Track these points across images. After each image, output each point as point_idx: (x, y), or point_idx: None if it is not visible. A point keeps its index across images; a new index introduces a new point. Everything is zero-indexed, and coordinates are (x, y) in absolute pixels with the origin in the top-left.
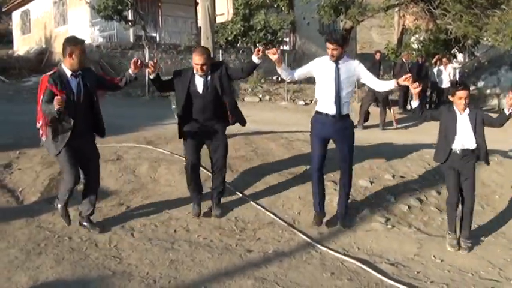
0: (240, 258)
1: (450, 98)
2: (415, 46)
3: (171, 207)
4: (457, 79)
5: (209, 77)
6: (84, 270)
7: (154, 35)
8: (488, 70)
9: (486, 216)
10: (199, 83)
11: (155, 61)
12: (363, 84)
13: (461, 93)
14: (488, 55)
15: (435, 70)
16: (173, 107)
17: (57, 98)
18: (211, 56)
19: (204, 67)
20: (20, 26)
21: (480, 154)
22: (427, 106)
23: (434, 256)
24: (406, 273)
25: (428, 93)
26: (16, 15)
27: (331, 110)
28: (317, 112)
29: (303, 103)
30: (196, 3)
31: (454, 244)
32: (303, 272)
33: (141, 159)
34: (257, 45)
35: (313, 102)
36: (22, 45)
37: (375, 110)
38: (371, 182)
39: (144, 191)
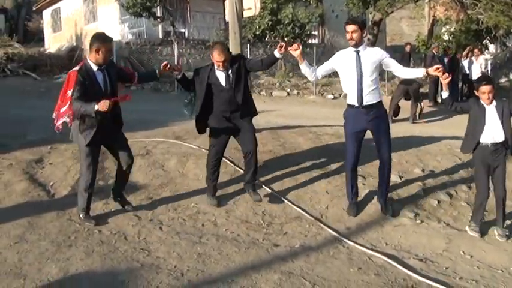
0: (267, 253)
1: (476, 92)
2: (446, 37)
3: (199, 202)
4: (489, 70)
5: (230, 71)
6: (113, 262)
7: (182, 30)
8: None
9: None
10: (221, 77)
11: (180, 64)
12: (393, 77)
13: (485, 88)
14: None
15: (466, 62)
16: (185, 101)
17: (104, 102)
18: (240, 50)
19: (225, 63)
20: (51, 24)
21: (509, 146)
22: (459, 98)
23: (463, 252)
24: (434, 268)
25: (460, 85)
26: (47, 13)
27: (358, 100)
28: (348, 105)
29: (332, 97)
30: None
31: (477, 230)
32: (329, 266)
33: (170, 153)
34: (285, 39)
35: (342, 96)
36: (53, 43)
37: (405, 104)
38: (400, 177)
39: (172, 185)
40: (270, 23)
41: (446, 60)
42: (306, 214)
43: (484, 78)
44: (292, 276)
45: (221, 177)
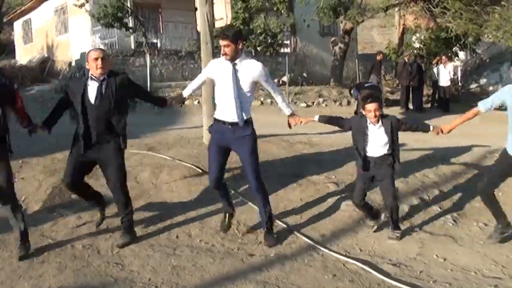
0: (242, 262)
1: (362, 110)
2: (416, 45)
3: (173, 213)
4: (459, 77)
5: (104, 85)
6: (87, 277)
7: (155, 41)
8: (490, 67)
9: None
10: (92, 90)
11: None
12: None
13: (371, 106)
14: (489, 52)
15: (435, 69)
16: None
17: None
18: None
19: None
20: (22, 35)
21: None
22: (430, 105)
23: (436, 255)
24: (408, 273)
25: (431, 92)
26: (18, 25)
27: (230, 116)
28: (216, 119)
29: (305, 105)
30: (196, 9)
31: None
32: (304, 274)
33: (143, 165)
34: (257, 48)
35: (315, 104)
36: (24, 54)
37: None
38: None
39: (145, 197)
40: (242, 32)
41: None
42: (280, 223)
43: (371, 96)
44: (267, 285)
45: (195, 187)
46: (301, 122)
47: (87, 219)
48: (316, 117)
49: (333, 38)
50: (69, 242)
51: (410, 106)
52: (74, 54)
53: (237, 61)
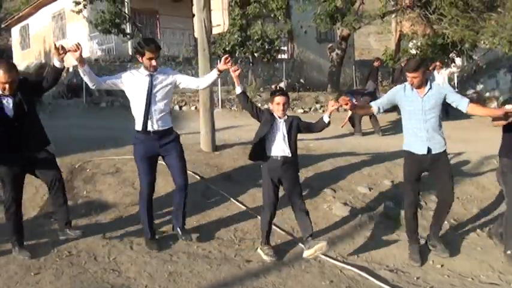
0: (239, 269)
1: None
2: (413, 51)
3: (170, 219)
4: (456, 83)
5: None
6: (83, 284)
7: None
8: (487, 73)
9: (486, 220)
10: (7, 104)
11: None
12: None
13: (279, 99)
14: (486, 58)
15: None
16: None
17: None
18: (209, 66)
19: (13, 85)
20: (20, 41)
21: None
22: None
23: (433, 261)
24: (405, 279)
25: None
26: (15, 30)
27: (150, 125)
28: (137, 131)
29: (302, 111)
30: (194, 15)
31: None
32: (301, 280)
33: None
34: (255, 54)
35: (311, 110)
36: (22, 60)
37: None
38: (370, 189)
39: None
40: (240, 39)
41: None
42: (277, 229)
43: (279, 89)
44: None
45: (191, 193)
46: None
47: (83, 225)
48: (238, 89)
49: (330, 44)
50: (66, 248)
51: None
52: (72, 60)
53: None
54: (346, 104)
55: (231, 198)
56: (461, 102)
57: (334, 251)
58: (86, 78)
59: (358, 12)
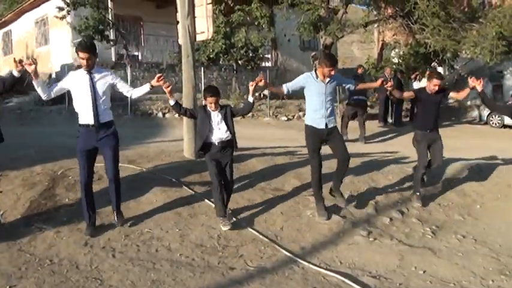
0: (222, 276)
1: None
2: (395, 60)
3: (153, 227)
4: None
5: None
6: None
7: (136, 53)
8: (468, 83)
9: (467, 226)
10: None
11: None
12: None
13: (210, 100)
14: (467, 68)
15: (415, 84)
16: None
17: None
18: (193, 73)
19: None
20: (2, 46)
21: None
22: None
23: (415, 267)
24: (388, 285)
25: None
26: None
27: (93, 119)
28: (80, 125)
29: (286, 118)
30: (178, 22)
31: None
32: (285, 287)
33: (123, 178)
34: (239, 62)
35: (295, 117)
36: (4, 66)
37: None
38: (352, 196)
39: (125, 210)
40: (224, 46)
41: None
42: (261, 236)
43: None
44: None
45: (175, 200)
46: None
47: (65, 233)
48: (172, 102)
49: (313, 53)
50: (48, 257)
51: (389, 120)
52: (55, 66)
53: (93, 71)
54: (261, 81)
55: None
56: (349, 83)
57: (318, 257)
58: (39, 90)
59: (341, 21)
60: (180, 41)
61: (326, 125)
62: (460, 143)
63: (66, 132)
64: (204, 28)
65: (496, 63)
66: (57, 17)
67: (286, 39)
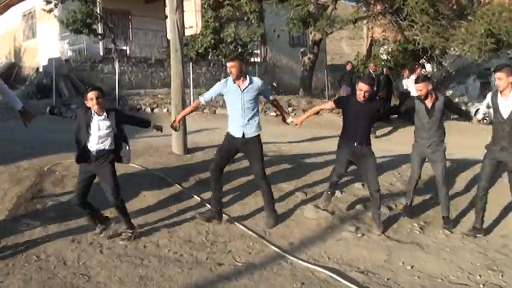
0: (210, 272)
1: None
2: (384, 57)
3: (141, 222)
4: None
5: None
6: None
7: (124, 48)
8: (456, 79)
9: (455, 222)
10: None
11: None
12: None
13: (92, 98)
14: (455, 65)
15: (404, 81)
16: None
17: None
18: (181, 68)
19: None
20: None
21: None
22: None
23: (403, 263)
24: (376, 280)
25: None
26: None
27: None
28: None
29: (275, 114)
30: (166, 17)
31: None
32: (273, 283)
33: None
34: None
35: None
36: None
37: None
38: (341, 191)
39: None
40: (213, 41)
41: (381, 77)
42: (249, 232)
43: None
44: None
45: (163, 196)
46: None
47: (53, 229)
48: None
49: (303, 49)
50: (35, 253)
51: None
52: (42, 59)
53: None
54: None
55: (203, 201)
56: (266, 96)
57: (306, 253)
58: None
59: (330, 17)
60: (169, 36)
61: (243, 134)
62: (450, 141)
63: (53, 127)
64: (193, 23)
65: (484, 60)
66: (44, 10)
67: (275, 35)
